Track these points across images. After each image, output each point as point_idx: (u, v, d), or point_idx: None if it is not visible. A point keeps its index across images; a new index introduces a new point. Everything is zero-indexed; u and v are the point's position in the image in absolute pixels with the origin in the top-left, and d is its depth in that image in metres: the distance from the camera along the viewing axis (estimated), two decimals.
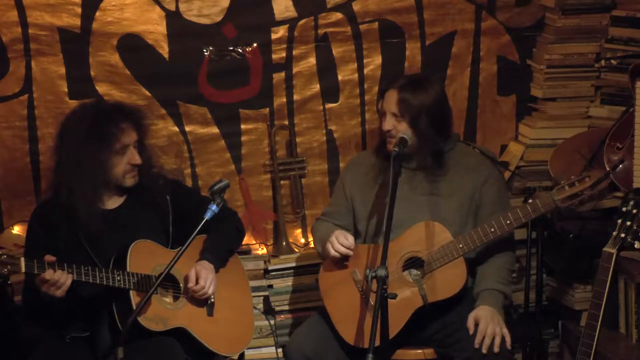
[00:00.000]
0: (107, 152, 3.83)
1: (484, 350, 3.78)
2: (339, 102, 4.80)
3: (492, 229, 3.91)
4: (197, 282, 3.86)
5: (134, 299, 3.74)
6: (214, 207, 3.65)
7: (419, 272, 3.94)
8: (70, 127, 3.87)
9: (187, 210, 3.98)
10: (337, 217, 4.19)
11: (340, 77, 4.77)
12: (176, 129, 4.71)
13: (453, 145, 4.12)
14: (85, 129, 3.81)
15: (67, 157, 3.83)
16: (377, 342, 3.39)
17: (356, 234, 4.17)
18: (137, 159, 3.90)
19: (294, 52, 4.71)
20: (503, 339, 3.83)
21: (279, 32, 4.68)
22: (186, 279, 3.88)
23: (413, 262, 3.96)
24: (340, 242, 3.96)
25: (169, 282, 3.89)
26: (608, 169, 4.16)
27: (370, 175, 4.14)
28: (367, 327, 3.86)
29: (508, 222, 3.91)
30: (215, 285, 3.91)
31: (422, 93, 3.99)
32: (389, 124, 4.02)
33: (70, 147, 3.82)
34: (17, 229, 4.61)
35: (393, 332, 3.72)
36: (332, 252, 3.97)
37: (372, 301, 3.88)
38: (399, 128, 4.00)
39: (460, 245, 3.90)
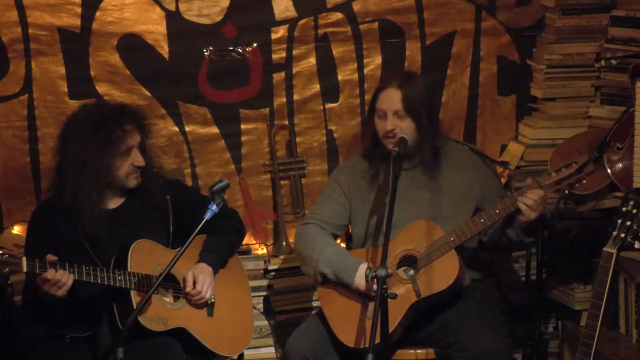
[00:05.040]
0: (111, 154, 3.83)
1: None
2: (339, 102, 4.80)
3: (482, 220, 3.92)
4: (194, 286, 3.86)
5: (135, 298, 3.74)
6: (214, 207, 3.65)
7: (413, 269, 3.95)
8: (73, 128, 3.87)
9: (187, 210, 3.98)
10: (332, 216, 4.14)
11: (340, 77, 4.77)
12: (176, 129, 4.71)
13: (444, 142, 4.14)
14: (89, 131, 3.81)
15: (71, 159, 3.83)
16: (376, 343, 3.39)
17: (351, 237, 4.19)
18: (141, 161, 3.90)
19: (294, 52, 4.71)
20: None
21: (279, 32, 4.68)
22: (184, 282, 3.88)
23: (407, 260, 3.96)
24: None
25: (169, 282, 3.89)
26: (608, 169, 4.17)
27: (366, 179, 4.13)
28: (365, 329, 3.86)
29: (497, 211, 3.92)
30: (213, 288, 3.91)
31: (418, 87, 4.03)
32: (391, 123, 4.01)
33: (74, 149, 3.82)
34: (17, 229, 4.61)
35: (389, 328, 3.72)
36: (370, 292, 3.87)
37: (371, 302, 3.88)
38: (402, 126, 4.00)
39: (452, 238, 3.91)
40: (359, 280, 3.90)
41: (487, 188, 4.10)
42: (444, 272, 3.89)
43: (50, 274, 3.61)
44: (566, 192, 3.96)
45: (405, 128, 3.99)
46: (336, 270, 3.97)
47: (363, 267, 3.91)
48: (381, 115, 4.05)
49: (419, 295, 3.86)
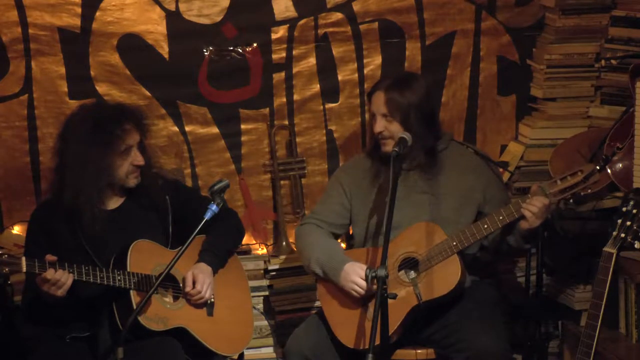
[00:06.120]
0: (111, 154, 3.83)
1: None
2: (339, 102, 4.80)
3: (485, 226, 3.91)
4: (194, 286, 3.86)
5: (134, 298, 3.74)
6: (214, 207, 3.65)
7: (414, 272, 3.95)
8: (73, 128, 3.87)
9: (186, 211, 3.98)
10: (331, 216, 4.15)
11: (340, 77, 4.77)
12: (176, 129, 4.71)
13: (447, 144, 4.13)
14: (88, 131, 3.81)
15: (71, 159, 3.82)
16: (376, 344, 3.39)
17: (352, 237, 4.18)
18: (140, 160, 3.90)
19: (294, 52, 4.72)
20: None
21: (279, 32, 4.68)
22: (184, 282, 3.88)
23: (408, 263, 3.96)
24: (361, 285, 3.86)
25: (169, 282, 3.89)
26: (608, 169, 4.16)
27: (368, 179, 4.13)
28: (364, 329, 3.86)
29: (501, 217, 3.91)
30: (213, 288, 3.91)
31: (409, 91, 4.00)
32: (380, 125, 4.02)
33: (73, 149, 3.82)
34: (17, 229, 4.61)
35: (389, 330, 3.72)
36: (358, 294, 3.91)
37: (370, 302, 3.88)
38: (390, 129, 4.00)
39: (454, 243, 3.90)
40: (343, 281, 3.90)
41: (489, 191, 4.09)
42: (446, 277, 3.89)
43: (49, 273, 3.61)
44: (570, 201, 3.95)
45: (394, 131, 3.99)
46: (325, 269, 3.99)
47: (349, 267, 3.90)
48: (373, 117, 4.07)
49: (419, 299, 3.86)
